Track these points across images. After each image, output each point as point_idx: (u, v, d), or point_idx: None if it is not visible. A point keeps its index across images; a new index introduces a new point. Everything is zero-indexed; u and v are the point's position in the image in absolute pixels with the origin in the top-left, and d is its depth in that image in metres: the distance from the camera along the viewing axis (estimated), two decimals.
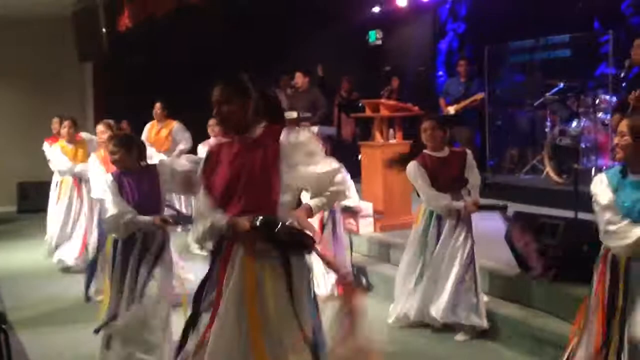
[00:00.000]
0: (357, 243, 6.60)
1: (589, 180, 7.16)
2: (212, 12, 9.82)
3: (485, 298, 4.75)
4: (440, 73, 11.66)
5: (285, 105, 10.47)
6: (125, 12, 9.55)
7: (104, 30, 10.04)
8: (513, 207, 6.05)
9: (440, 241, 4.65)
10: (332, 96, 10.92)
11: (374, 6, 11.64)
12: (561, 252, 4.41)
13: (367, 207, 6.63)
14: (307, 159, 2.78)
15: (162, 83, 9.83)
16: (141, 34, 9.94)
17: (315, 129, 8.20)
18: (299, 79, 9.30)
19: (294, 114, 9.40)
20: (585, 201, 3.49)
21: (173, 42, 10.57)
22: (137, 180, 3.98)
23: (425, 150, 4.73)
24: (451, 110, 8.94)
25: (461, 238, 4.62)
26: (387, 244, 6.30)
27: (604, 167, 7.23)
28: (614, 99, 7.08)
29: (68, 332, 5.13)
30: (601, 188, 3.09)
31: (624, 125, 3.07)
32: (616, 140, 3.11)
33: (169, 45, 10.64)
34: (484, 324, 4.55)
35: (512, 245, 4.89)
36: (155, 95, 8.71)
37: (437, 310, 4.60)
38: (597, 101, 7.42)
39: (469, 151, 4.82)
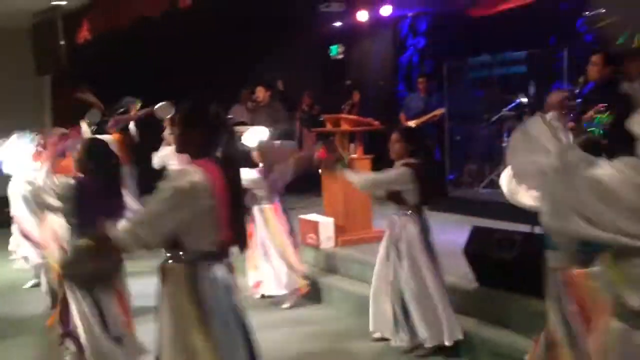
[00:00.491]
0: (316, 257, 6.61)
1: None
2: (173, 26, 9.76)
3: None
4: (401, 88, 11.78)
5: (247, 120, 10.45)
6: (84, 24, 9.43)
7: (62, 42, 9.90)
8: (472, 222, 6.13)
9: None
10: (293, 110, 10.92)
11: (335, 20, 11.71)
12: (518, 266, 4.47)
13: (328, 222, 6.64)
14: None
15: (121, 96, 9.71)
16: (101, 47, 9.82)
17: (276, 143, 8.19)
18: (260, 93, 9.30)
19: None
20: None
21: (133, 54, 10.46)
22: None
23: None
24: (411, 124, 9.02)
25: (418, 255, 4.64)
26: (346, 258, 6.30)
27: None
28: (570, 114, 7.22)
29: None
30: None
31: None
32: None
33: (128, 57, 10.53)
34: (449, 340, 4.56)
35: (471, 258, 4.94)
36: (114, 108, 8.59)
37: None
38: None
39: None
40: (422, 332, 4.55)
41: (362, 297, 5.34)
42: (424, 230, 4.64)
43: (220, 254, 2.88)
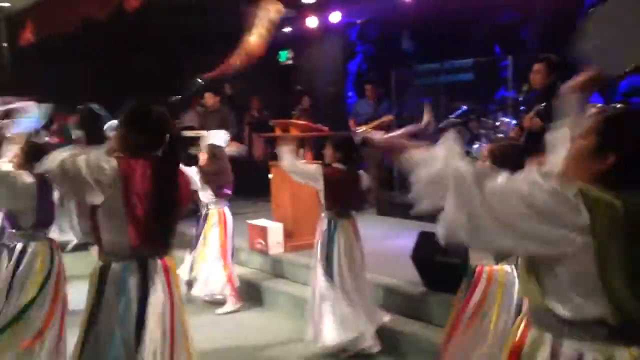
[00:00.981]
0: (263, 262, 6.59)
1: None
2: (117, 30, 9.61)
3: (387, 317, 4.82)
4: (351, 94, 11.86)
5: (197, 125, 10.35)
6: (27, 26, 9.21)
7: (4, 44, 9.65)
8: (420, 226, 6.20)
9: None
10: (241, 115, 10.88)
11: (284, 26, 11.71)
12: (464, 270, 4.53)
13: (277, 227, 6.62)
14: None
15: (63, 98, 9.50)
16: (44, 49, 9.60)
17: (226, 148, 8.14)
18: (210, 99, 9.27)
19: (204, 133, 9.30)
20: None
21: (77, 57, 10.26)
22: None
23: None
24: (361, 131, 9.08)
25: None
26: (293, 263, 6.29)
27: None
28: (513, 121, 7.39)
29: None
30: None
31: (485, 150, 3.33)
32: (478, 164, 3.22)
33: (72, 60, 10.31)
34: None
35: (418, 263, 5.00)
36: (57, 111, 8.40)
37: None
38: (497, 123, 7.71)
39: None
40: (332, 333, 4.56)
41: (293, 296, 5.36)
42: (340, 234, 4.68)
43: (133, 256, 2.82)
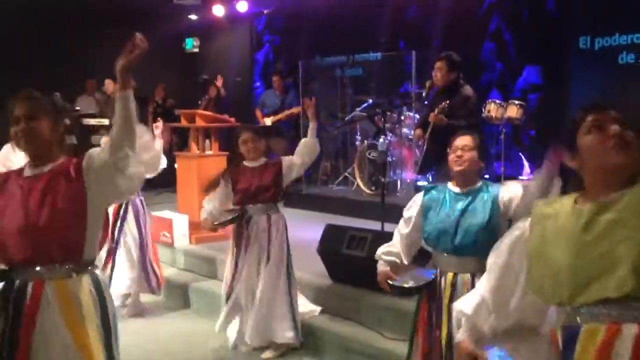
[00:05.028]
0: (171, 255, 6.47)
1: (395, 192, 7.66)
2: (11, 16, 9.17)
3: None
4: (258, 84, 11.80)
5: (96, 112, 10.03)
6: None
7: None
8: (327, 218, 6.27)
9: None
10: (145, 104, 10.62)
11: (190, 13, 11.50)
12: (369, 264, 4.60)
13: (182, 219, 6.51)
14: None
15: None
16: None
17: None
18: (110, 85, 9.02)
19: (106, 121, 9.02)
20: (391, 212, 3.66)
21: None
22: None
23: (244, 162, 4.72)
24: (267, 121, 9.07)
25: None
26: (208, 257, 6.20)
27: (409, 180, 7.72)
28: (417, 116, 7.59)
29: None
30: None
31: (469, 140, 3.20)
32: (459, 152, 3.19)
33: None
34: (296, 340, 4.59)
35: (325, 256, 5.05)
36: None
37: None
38: (402, 117, 7.89)
39: (285, 158, 4.85)
40: (251, 331, 4.54)
41: (217, 295, 5.30)
42: (284, 229, 4.69)
43: None
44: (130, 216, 5.55)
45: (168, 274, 6.14)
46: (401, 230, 3.34)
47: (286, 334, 4.53)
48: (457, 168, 3.18)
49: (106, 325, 2.51)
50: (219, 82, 10.39)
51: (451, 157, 3.20)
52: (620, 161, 1.86)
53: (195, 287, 5.86)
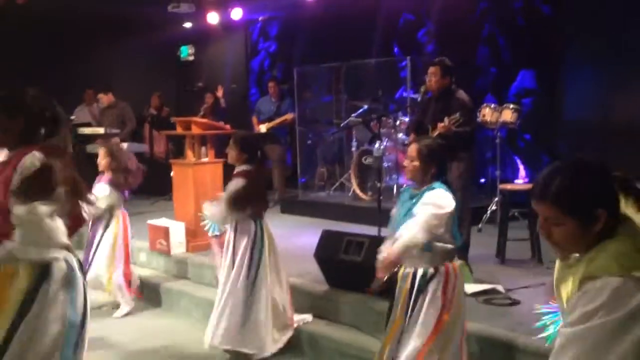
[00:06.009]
0: (166, 263, 6.47)
1: (391, 197, 7.68)
2: (8, 22, 9.17)
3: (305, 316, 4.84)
4: (254, 91, 11.83)
5: (93, 121, 10.05)
6: None
7: None
8: (324, 224, 6.27)
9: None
10: (141, 112, 10.66)
11: (185, 21, 11.53)
12: (366, 268, 4.61)
13: (179, 226, 6.51)
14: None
15: None
16: None
17: (124, 145, 7.91)
18: (103, 98, 9.20)
19: (101, 130, 9.06)
20: (388, 218, 3.71)
21: None
22: None
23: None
24: (263, 128, 9.09)
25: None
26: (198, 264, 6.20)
27: (405, 185, 7.72)
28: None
29: None
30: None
31: (414, 151, 3.45)
32: (406, 162, 3.51)
33: None
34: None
35: (322, 262, 5.05)
36: None
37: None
38: (397, 123, 7.91)
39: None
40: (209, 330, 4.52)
41: (195, 297, 5.30)
42: (252, 238, 4.54)
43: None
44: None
45: (163, 282, 6.13)
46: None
47: (239, 343, 4.46)
48: (405, 175, 3.60)
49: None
50: (219, 93, 10.41)
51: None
52: (555, 251, 1.87)
53: (189, 294, 5.84)
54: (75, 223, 2.77)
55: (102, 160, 5.60)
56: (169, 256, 6.40)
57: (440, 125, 5.27)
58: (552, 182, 1.78)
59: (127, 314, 5.70)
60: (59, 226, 2.73)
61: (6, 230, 2.61)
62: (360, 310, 4.67)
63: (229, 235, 4.62)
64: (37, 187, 2.58)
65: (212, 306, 4.65)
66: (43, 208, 2.62)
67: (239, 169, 4.62)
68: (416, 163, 3.43)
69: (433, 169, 3.42)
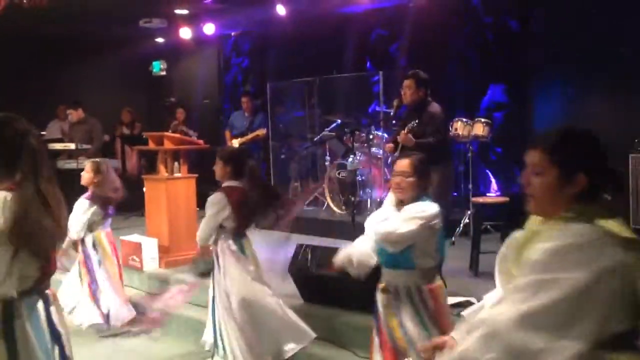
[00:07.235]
0: (140, 280, 6.39)
1: (365, 211, 7.69)
2: None
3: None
4: (227, 106, 11.80)
5: (64, 137, 9.95)
6: None
7: None
8: (297, 239, 6.24)
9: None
10: (113, 127, 10.58)
11: (157, 36, 11.49)
12: (340, 282, 4.61)
13: (151, 242, 6.44)
14: None
15: None
16: None
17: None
18: (72, 114, 9.18)
19: (72, 145, 8.97)
20: (362, 231, 3.70)
21: None
22: None
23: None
24: (235, 143, 9.07)
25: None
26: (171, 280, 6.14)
27: (379, 199, 7.75)
28: (386, 135, 7.65)
29: None
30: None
31: (407, 165, 3.32)
32: (398, 179, 3.32)
33: None
34: None
35: (296, 276, 5.04)
36: None
37: None
38: (370, 137, 7.94)
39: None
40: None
41: (189, 319, 5.25)
42: (236, 254, 4.45)
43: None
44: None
45: (137, 299, 6.05)
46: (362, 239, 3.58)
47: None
48: (398, 196, 3.37)
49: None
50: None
51: (392, 181, 3.40)
52: (529, 203, 1.95)
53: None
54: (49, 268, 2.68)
55: (86, 174, 5.49)
56: (142, 272, 6.33)
57: (401, 134, 5.33)
58: (553, 133, 1.93)
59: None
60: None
61: None
62: (335, 324, 4.65)
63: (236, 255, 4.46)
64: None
65: (189, 324, 4.60)
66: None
67: (224, 184, 4.48)
68: (412, 179, 3.31)
69: (423, 183, 3.37)
